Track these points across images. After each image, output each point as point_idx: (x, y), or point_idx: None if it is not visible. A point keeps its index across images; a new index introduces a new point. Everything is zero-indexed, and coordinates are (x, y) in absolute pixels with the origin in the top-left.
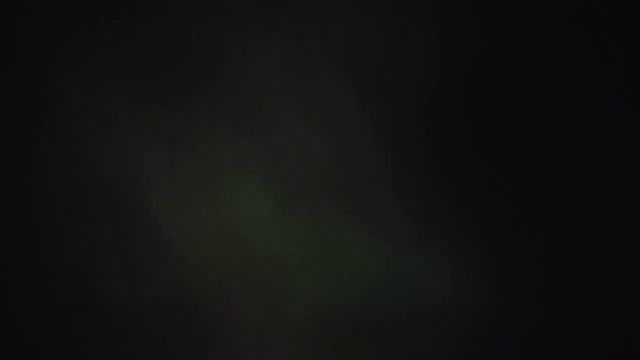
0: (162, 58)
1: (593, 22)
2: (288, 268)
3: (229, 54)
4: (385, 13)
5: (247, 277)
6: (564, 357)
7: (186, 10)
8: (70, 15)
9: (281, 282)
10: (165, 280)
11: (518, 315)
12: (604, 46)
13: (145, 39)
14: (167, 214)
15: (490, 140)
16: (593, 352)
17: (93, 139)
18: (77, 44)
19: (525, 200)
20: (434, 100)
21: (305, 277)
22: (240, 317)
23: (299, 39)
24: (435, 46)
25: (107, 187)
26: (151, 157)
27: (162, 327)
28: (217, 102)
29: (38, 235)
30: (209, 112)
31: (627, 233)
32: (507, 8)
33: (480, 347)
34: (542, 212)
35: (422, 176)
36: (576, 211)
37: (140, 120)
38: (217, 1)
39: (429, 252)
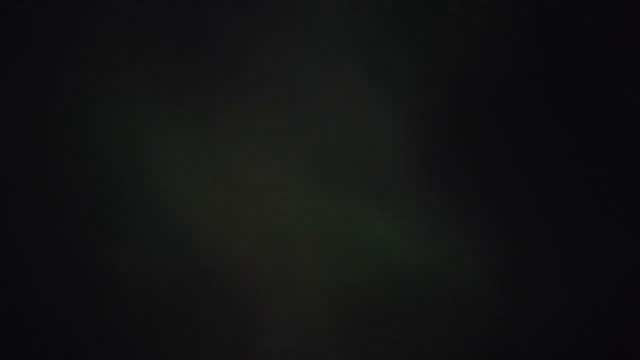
0: (177, 39)
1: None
2: (305, 245)
3: (247, 39)
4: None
5: (264, 254)
6: (579, 342)
7: None
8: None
9: (298, 259)
10: (180, 258)
11: (535, 298)
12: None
13: (162, 24)
14: (183, 193)
15: (512, 123)
16: (603, 331)
17: (107, 119)
18: (92, 26)
19: (544, 184)
20: (457, 86)
21: (322, 254)
22: (256, 293)
23: (321, 23)
24: (462, 34)
25: (122, 168)
26: (165, 135)
27: (177, 305)
28: (234, 85)
29: (53, 218)
30: (226, 93)
31: None
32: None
33: (495, 328)
34: (562, 197)
35: (444, 155)
36: (595, 199)
37: (155, 101)
38: None
39: (450, 233)
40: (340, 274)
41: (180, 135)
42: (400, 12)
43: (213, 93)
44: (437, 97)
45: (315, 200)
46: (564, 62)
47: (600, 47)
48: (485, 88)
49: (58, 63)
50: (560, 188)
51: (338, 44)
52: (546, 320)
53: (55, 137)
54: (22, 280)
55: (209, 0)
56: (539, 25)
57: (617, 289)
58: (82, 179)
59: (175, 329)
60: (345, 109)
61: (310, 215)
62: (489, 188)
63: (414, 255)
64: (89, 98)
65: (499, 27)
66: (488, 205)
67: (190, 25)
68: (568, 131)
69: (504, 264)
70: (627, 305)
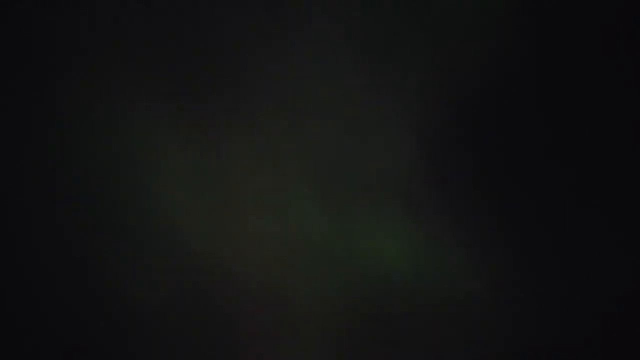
0: (179, 50)
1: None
2: (304, 253)
3: (248, 43)
4: (421, 12)
5: (262, 262)
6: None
7: (206, 4)
8: (88, 5)
9: (297, 267)
10: (176, 276)
11: (539, 317)
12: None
13: (162, 34)
14: (182, 201)
15: (514, 128)
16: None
17: (106, 131)
18: (92, 36)
19: (545, 188)
20: (458, 89)
21: (321, 262)
22: (254, 302)
23: (323, 34)
24: (462, 36)
25: (119, 175)
26: (165, 150)
27: (172, 323)
28: (234, 90)
29: (47, 231)
30: (225, 98)
31: None
32: (544, 11)
33: (499, 345)
34: (563, 204)
35: (444, 160)
36: (595, 215)
37: (155, 113)
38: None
39: (452, 241)
40: (339, 282)
41: (179, 142)
42: (401, 15)
43: (212, 99)
44: (438, 101)
45: (314, 207)
46: (567, 66)
47: (602, 51)
48: (486, 92)
49: (56, 66)
50: (562, 193)
51: (338, 47)
52: (548, 332)
53: (54, 142)
54: (16, 283)
55: (209, 2)
56: (539, 27)
57: (617, 294)
58: (80, 184)
59: (173, 338)
60: (346, 113)
61: (309, 222)
62: (491, 196)
63: (415, 263)
64: (87, 102)
65: (500, 29)
66: (490, 213)
67: (189, 27)
68: (570, 135)
69: (505, 273)
70: (627, 309)
